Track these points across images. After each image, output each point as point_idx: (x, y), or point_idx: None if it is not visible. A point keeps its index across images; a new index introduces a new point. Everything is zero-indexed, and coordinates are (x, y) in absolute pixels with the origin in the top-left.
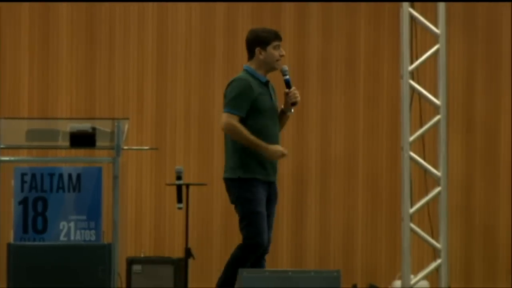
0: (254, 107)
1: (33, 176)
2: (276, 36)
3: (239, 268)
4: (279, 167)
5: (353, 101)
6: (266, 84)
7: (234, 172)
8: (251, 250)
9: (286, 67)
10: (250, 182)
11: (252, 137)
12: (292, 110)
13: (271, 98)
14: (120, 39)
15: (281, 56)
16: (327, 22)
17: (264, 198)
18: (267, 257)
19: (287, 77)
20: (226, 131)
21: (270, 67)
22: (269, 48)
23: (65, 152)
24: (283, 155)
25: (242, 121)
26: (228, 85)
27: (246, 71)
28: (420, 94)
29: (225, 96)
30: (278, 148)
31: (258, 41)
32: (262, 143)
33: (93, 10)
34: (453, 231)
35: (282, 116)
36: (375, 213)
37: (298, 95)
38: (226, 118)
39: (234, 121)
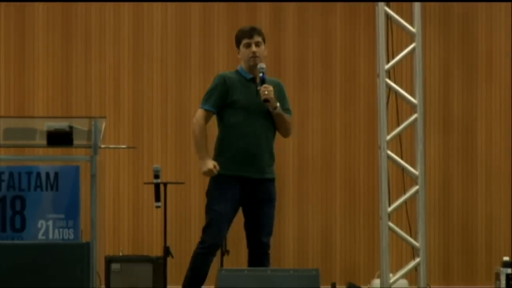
0: (228, 102)
1: (11, 174)
2: (245, 34)
3: (195, 265)
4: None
5: (330, 100)
6: (251, 81)
7: None
8: (200, 247)
9: (262, 65)
10: (216, 177)
11: (202, 143)
12: (276, 108)
13: (257, 95)
14: (96, 38)
15: (253, 53)
16: (303, 22)
17: (231, 195)
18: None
19: (261, 74)
20: (191, 124)
21: (247, 65)
22: (241, 47)
23: (42, 150)
24: (209, 172)
25: (218, 116)
26: None
27: (237, 69)
28: (396, 93)
29: None
30: (207, 165)
31: (235, 41)
32: (202, 152)
33: (68, 10)
34: (431, 230)
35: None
36: (353, 211)
37: (267, 92)
38: (196, 112)
39: (200, 115)
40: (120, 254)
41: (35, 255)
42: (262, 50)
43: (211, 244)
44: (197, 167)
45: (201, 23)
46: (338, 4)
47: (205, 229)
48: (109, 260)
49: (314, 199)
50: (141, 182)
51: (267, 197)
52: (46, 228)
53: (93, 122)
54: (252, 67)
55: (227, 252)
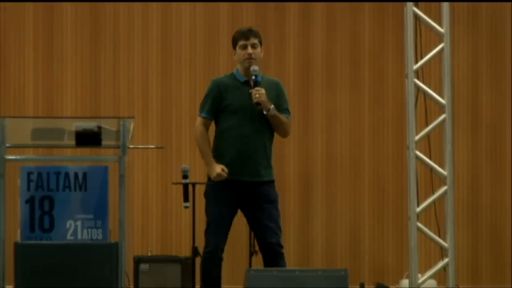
0: (222, 107)
1: (39, 175)
2: (242, 35)
3: (203, 271)
4: (274, 167)
5: (358, 100)
6: (245, 83)
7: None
8: (205, 251)
9: (254, 67)
10: (212, 181)
11: (206, 149)
12: (270, 111)
13: (250, 98)
14: (125, 38)
15: (248, 54)
16: (332, 22)
17: (227, 199)
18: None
19: (253, 77)
20: (193, 133)
21: (243, 67)
22: (237, 48)
23: (71, 151)
24: (221, 173)
25: (215, 121)
26: None
27: (232, 72)
28: (425, 93)
29: None
30: (215, 170)
31: (232, 42)
32: (207, 158)
33: (97, 10)
34: (459, 230)
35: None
36: (381, 212)
37: (258, 95)
38: (196, 121)
39: (198, 123)
40: (149, 254)
41: (63, 256)
42: (258, 52)
43: (213, 248)
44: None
45: (229, 23)
46: (367, 4)
47: (206, 233)
48: (137, 261)
49: (342, 199)
50: (169, 182)
51: (266, 199)
52: (75, 228)
53: (121, 122)
54: (247, 69)
55: (256, 252)
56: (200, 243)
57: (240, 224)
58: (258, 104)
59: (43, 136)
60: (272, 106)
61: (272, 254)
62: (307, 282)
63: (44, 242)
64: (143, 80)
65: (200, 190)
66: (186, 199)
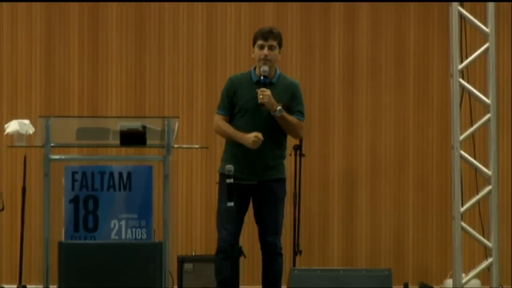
0: (235, 105)
1: (84, 174)
2: (261, 35)
3: (216, 271)
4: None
5: (403, 100)
6: (258, 83)
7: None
8: (216, 252)
9: (264, 68)
10: (223, 178)
11: (231, 131)
12: (276, 112)
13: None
14: (170, 37)
15: (264, 55)
16: (377, 22)
17: (235, 196)
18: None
19: (262, 77)
20: (214, 131)
21: (259, 66)
22: (255, 48)
23: (115, 150)
24: (255, 139)
25: (230, 119)
26: None
27: (250, 70)
28: (470, 93)
29: None
30: (249, 137)
31: (252, 39)
32: (238, 134)
33: (142, 9)
34: (504, 230)
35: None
36: (425, 212)
37: (262, 96)
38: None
39: (216, 119)
40: (193, 254)
41: (107, 255)
42: (274, 54)
43: (221, 247)
44: None
45: (275, 23)
46: (412, 4)
47: (217, 230)
48: (181, 260)
49: (386, 198)
50: (213, 182)
51: (270, 197)
52: (119, 228)
53: (166, 122)
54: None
55: (300, 252)
56: (244, 243)
57: (284, 223)
58: (262, 105)
59: (88, 135)
60: (279, 107)
61: (269, 254)
62: (351, 282)
63: (88, 241)
64: (188, 79)
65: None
66: (230, 198)
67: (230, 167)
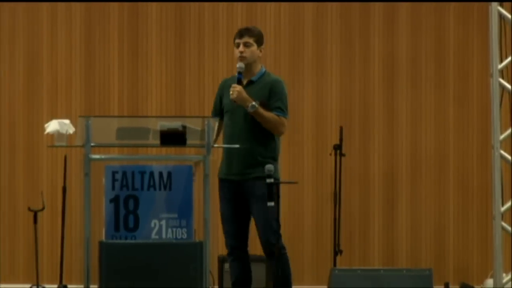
0: (222, 106)
1: (124, 174)
2: (237, 34)
3: (230, 273)
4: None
5: (443, 99)
6: (240, 82)
7: None
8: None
9: (239, 65)
10: (219, 182)
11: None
12: (248, 108)
13: None
14: (209, 37)
15: (240, 52)
16: (416, 22)
17: (227, 198)
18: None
19: (237, 74)
20: None
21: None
22: (235, 47)
23: (155, 150)
24: (235, 91)
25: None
26: None
27: None
28: (509, 93)
29: None
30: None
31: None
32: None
33: (182, 10)
34: None
35: None
36: (466, 211)
37: (232, 92)
38: None
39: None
40: None
41: (148, 255)
42: (250, 51)
43: (229, 248)
44: (310, 165)
45: (314, 23)
46: (452, 4)
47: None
48: (222, 260)
49: (427, 198)
50: None
51: (253, 196)
52: (159, 228)
53: (206, 122)
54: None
55: (340, 252)
56: (285, 242)
57: (324, 224)
58: (234, 101)
59: (128, 135)
60: (252, 103)
61: (267, 254)
62: (392, 282)
63: (128, 241)
64: None
65: (284, 189)
66: (270, 198)
67: (270, 167)
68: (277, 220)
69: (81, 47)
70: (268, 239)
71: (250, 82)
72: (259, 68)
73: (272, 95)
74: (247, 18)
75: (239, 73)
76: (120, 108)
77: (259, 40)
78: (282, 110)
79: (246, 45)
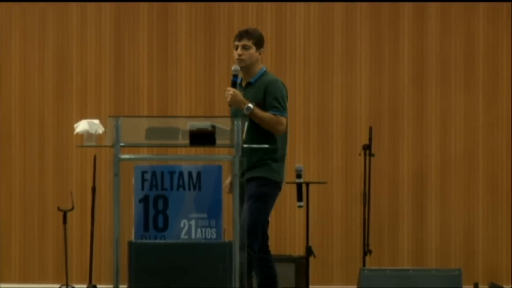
0: None
1: (154, 174)
2: (236, 36)
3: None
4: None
5: (473, 100)
6: (240, 84)
7: None
8: None
9: (234, 67)
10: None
11: None
12: (244, 110)
13: None
14: None
15: (238, 55)
16: (445, 21)
17: (242, 200)
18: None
19: (232, 77)
20: None
21: None
22: (234, 49)
23: (185, 150)
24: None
25: None
26: None
27: None
28: None
29: None
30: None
31: None
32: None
33: (211, 10)
34: None
35: None
36: (495, 211)
37: (226, 95)
38: None
39: None
40: None
41: (177, 255)
42: (249, 54)
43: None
44: (339, 166)
45: (344, 23)
46: (481, 4)
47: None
48: None
49: (456, 198)
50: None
51: (247, 197)
52: (189, 228)
53: (235, 122)
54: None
55: (370, 252)
56: (314, 242)
57: (353, 224)
58: (230, 105)
59: (157, 135)
60: (248, 105)
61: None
62: (421, 282)
63: (158, 241)
64: None
65: (313, 189)
66: (299, 198)
67: (300, 167)
68: (254, 219)
69: (110, 47)
70: (242, 241)
71: (249, 84)
72: (258, 69)
73: (267, 95)
74: (276, 18)
75: (234, 76)
76: (150, 107)
77: (259, 43)
78: (278, 108)
79: (245, 47)
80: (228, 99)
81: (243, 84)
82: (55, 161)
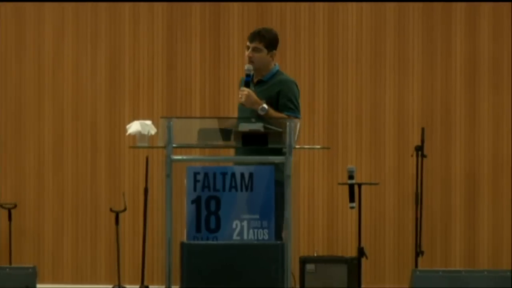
0: None
1: (206, 175)
2: (249, 37)
3: None
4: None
5: None
6: (252, 81)
7: None
8: None
9: (247, 67)
10: None
11: None
12: (258, 111)
13: None
14: (291, 38)
15: (248, 57)
16: (498, 21)
17: None
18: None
19: (245, 77)
20: None
21: None
22: (245, 49)
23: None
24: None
25: None
26: None
27: None
28: None
29: None
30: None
31: None
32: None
33: (264, 9)
34: None
35: None
36: None
37: (240, 95)
38: None
39: None
40: (315, 254)
41: (229, 256)
42: (259, 57)
43: None
44: (391, 167)
45: (396, 23)
46: None
47: None
48: (303, 261)
49: (509, 199)
50: (335, 183)
51: None
52: (241, 229)
53: (287, 123)
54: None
55: (422, 253)
56: (366, 244)
57: (406, 224)
58: (243, 105)
59: (209, 136)
60: (262, 106)
61: None
62: (473, 283)
63: (210, 242)
64: (310, 80)
65: (365, 190)
66: (352, 199)
67: (352, 168)
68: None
69: (163, 47)
70: None
71: (260, 82)
72: (271, 67)
73: (281, 95)
74: (328, 18)
75: (247, 75)
76: (202, 108)
77: (270, 45)
78: (292, 109)
79: (255, 50)
80: (243, 99)
81: (254, 80)
82: (108, 162)
